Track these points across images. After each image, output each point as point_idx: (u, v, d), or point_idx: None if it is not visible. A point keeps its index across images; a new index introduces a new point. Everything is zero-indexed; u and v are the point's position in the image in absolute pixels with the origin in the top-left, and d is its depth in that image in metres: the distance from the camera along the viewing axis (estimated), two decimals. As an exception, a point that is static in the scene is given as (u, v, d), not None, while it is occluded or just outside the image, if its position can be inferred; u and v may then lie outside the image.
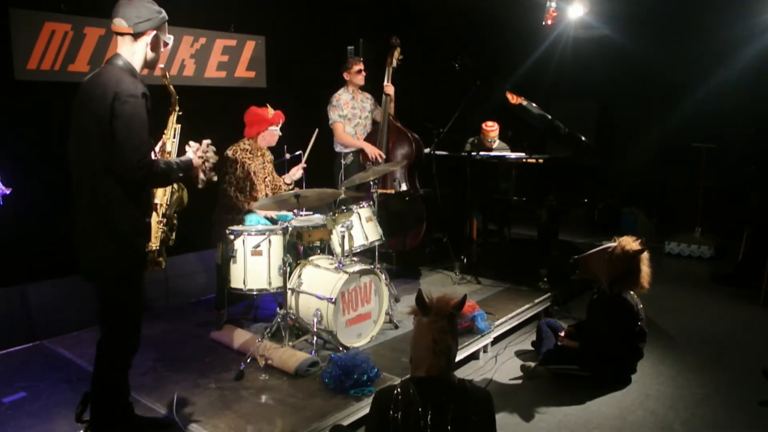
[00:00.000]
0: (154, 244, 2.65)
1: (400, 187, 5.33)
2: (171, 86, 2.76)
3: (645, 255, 3.79)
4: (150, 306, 4.76)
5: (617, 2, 6.48)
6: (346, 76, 5.33)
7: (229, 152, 4.33)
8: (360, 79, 5.32)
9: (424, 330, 2.20)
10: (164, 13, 2.62)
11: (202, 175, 2.78)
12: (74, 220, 2.61)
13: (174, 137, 2.80)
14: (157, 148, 2.78)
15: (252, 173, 4.35)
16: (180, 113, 2.82)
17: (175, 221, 2.79)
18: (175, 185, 2.79)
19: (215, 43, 5.42)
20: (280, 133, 4.50)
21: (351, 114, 5.32)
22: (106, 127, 2.42)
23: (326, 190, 4.13)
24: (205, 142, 2.82)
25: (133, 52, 2.57)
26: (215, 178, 2.90)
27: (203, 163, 2.76)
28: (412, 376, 2.22)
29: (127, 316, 2.68)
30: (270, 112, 4.43)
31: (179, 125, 2.83)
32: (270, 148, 4.58)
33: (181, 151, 2.85)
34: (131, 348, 2.75)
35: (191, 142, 2.82)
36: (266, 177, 4.52)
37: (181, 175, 2.67)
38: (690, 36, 7.01)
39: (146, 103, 2.48)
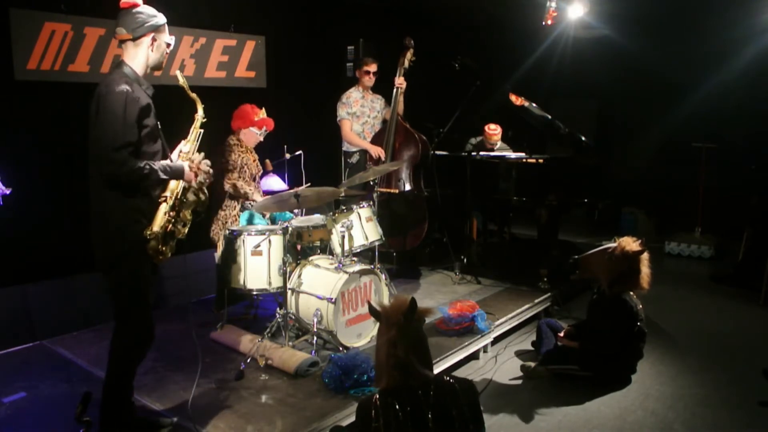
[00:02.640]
0: (157, 230, 2.65)
1: (404, 187, 5.32)
2: (191, 93, 2.86)
3: (645, 255, 3.79)
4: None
5: (617, 2, 6.48)
6: (357, 73, 5.43)
7: (223, 150, 4.33)
8: (366, 80, 5.34)
9: (379, 341, 2.19)
10: (160, 17, 2.75)
11: (194, 184, 2.81)
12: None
13: (195, 141, 2.88)
14: (175, 152, 2.86)
15: (245, 164, 4.35)
16: (204, 120, 2.91)
17: (189, 217, 2.83)
18: (195, 186, 2.81)
19: (215, 43, 5.42)
20: (261, 139, 4.46)
21: (360, 112, 5.35)
22: (94, 123, 2.59)
23: (326, 189, 4.13)
24: (200, 158, 2.84)
25: (135, 57, 2.73)
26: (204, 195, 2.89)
27: (195, 177, 2.79)
28: (378, 387, 2.18)
29: (131, 306, 2.71)
30: (260, 114, 4.39)
31: (201, 130, 2.91)
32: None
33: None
34: (138, 343, 2.77)
35: (182, 145, 2.88)
36: (253, 176, 4.48)
37: (165, 177, 2.69)
38: (690, 36, 7.02)
39: (126, 99, 2.53)
